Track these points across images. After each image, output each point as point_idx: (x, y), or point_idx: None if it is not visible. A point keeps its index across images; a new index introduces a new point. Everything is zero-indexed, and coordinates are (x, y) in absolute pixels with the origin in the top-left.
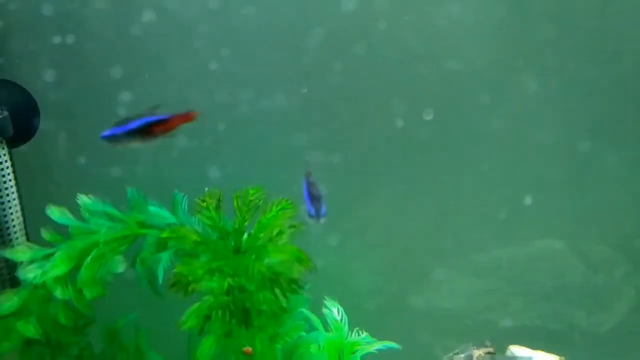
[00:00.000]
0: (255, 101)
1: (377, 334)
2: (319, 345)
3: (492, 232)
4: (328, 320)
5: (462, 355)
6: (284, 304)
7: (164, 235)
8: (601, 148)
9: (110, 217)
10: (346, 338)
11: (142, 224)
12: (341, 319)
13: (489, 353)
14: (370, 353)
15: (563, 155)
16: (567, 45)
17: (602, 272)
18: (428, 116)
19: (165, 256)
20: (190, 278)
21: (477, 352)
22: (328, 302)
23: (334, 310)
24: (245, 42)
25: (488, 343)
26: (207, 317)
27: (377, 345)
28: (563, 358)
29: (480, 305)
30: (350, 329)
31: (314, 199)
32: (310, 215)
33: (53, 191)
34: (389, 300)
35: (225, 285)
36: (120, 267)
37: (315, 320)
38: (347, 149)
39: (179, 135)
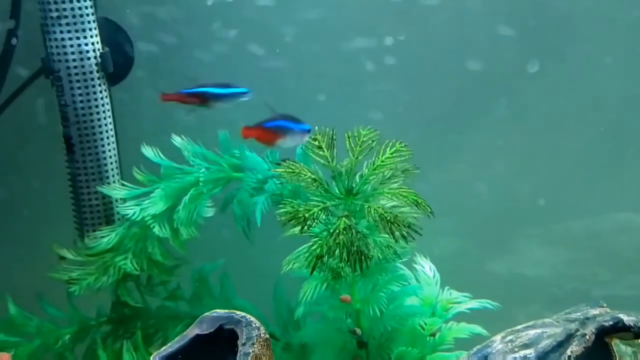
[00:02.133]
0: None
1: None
2: (409, 300)
3: (577, 203)
4: (419, 276)
5: (579, 313)
6: (398, 250)
7: (279, 170)
8: None
9: (206, 159)
10: (438, 295)
11: (235, 167)
12: (433, 276)
13: (608, 313)
14: (458, 313)
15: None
16: None
17: None
18: (532, 68)
19: (261, 199)
20: (306, 215)
21: (594, 312)
22: (420, 258)
23: (426, 267)
24: None
25: (603, 304)
26: (319, 258)
27: (473, 304)
28: None
29: (567, 273)
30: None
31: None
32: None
33: (141, 133)
34: (468, 265)
35: (342, 224)
36: (210, 211)
37: (410, 277)
38: (427, 110)
39: None
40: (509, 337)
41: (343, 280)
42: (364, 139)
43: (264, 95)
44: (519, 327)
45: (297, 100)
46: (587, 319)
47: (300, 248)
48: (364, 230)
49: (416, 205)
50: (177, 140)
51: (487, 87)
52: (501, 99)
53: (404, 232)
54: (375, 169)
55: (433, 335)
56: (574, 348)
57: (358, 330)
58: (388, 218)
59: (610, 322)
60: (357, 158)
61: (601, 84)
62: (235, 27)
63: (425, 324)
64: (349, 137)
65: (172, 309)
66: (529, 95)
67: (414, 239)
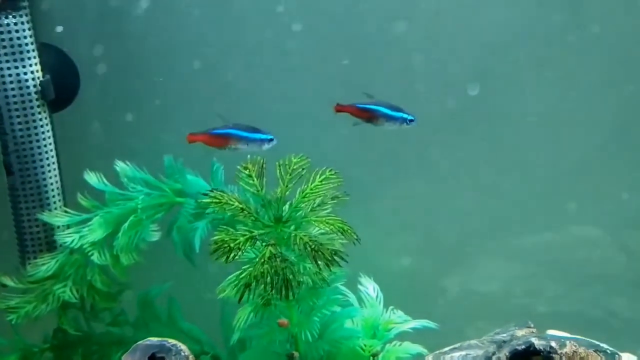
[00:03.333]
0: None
1: (408, 314)
2: (353, 321)
3: (530, 217)
4: (363, 297)
5: (505, 334)
6: (326, 276)
7: (206, 200)
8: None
9: (148, 185)
10: (381, 315)
11: (179, 192)
12: (376, 296)
13: (532, 333)
14: (405, 332)
15: (602, 139)
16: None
17: None
18: (473, 91)
19: (202, 225)
20: (232, 245)
21: (520, 332)
22: (364, 279)
23: (370, 287)
24: None
25: (530, 324)
26: (247, 286)
27: (413, 324)
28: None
29: (516, 289)
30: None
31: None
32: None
33: (88, 159)
34: (422, 282)
35: (267, 253)
36: (154, 235)
37: (352, 298)
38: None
39: None
40: None
41: (281, 304)
42: (295, 167)
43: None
44: (446, 349)
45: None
46: (504, 342)
47: (231, 276)
48: (293, 257)
49: (342, 233)
50: (119, 165)
51: (444, 106)
52: (457, 117)
53: (327, 260)
54: (304, 197)
55: (374, 356)
56: None
57: (296, 354)
58: (312, 246)
59: (523, 346)
60: (286, 186)
61: (556, 98)
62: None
63: (366, 345)
64: (279, 166)
65: (116, 334)
66: (485, 113)
67: (340, 265)
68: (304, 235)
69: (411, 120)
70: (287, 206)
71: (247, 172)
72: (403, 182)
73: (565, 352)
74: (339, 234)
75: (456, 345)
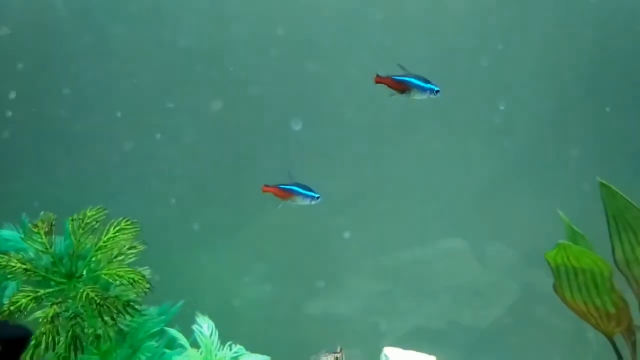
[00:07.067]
0: None
1: (264, 345)
2: None
3: (395, 235)
4: (197, 336)
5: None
6: (122, 327)
7: None
8: (500, 149)
9: None
10: (214, 353)
11: None
12: (211, 334)
13: (336, 359)
14: None
15: (465, 158)
16: None
17: (494, 269)
18: (297, 126)
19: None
20: (12, 308)
21: (325, 358)
22: (199, 318)
23: (204, 326)
24: None
25: (338, 348)
26: (36, 347)
27: (247, 358)
28: (433, 357)
29: (372, 308)
30: (243, 342)
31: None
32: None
33: None
34: (284, 308)
35: (51, 313)
36: None
37: (181, 338)
38: (238, 154)
39: None
40: None
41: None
42: (88, 221)
43: None
44: None
45: None
46: None
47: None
48: (83, 313)
49: (132, 284)
50: None
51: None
52: (314, 133)
53: (116, 312)
54: (98, 250)
55: None
56: None
57: None
58: (97, 301)
59: None
60: (78, 241)
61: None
62: None
63: None
64: (72, 220)
65: None
66: (341, 137)
67: (132, 316)
68: (91, 290)
69: (437, 91)
70: (81, 260)
71: (35, 229)
72: (262, 214)
73: None
74: (129, 285)
75: None
